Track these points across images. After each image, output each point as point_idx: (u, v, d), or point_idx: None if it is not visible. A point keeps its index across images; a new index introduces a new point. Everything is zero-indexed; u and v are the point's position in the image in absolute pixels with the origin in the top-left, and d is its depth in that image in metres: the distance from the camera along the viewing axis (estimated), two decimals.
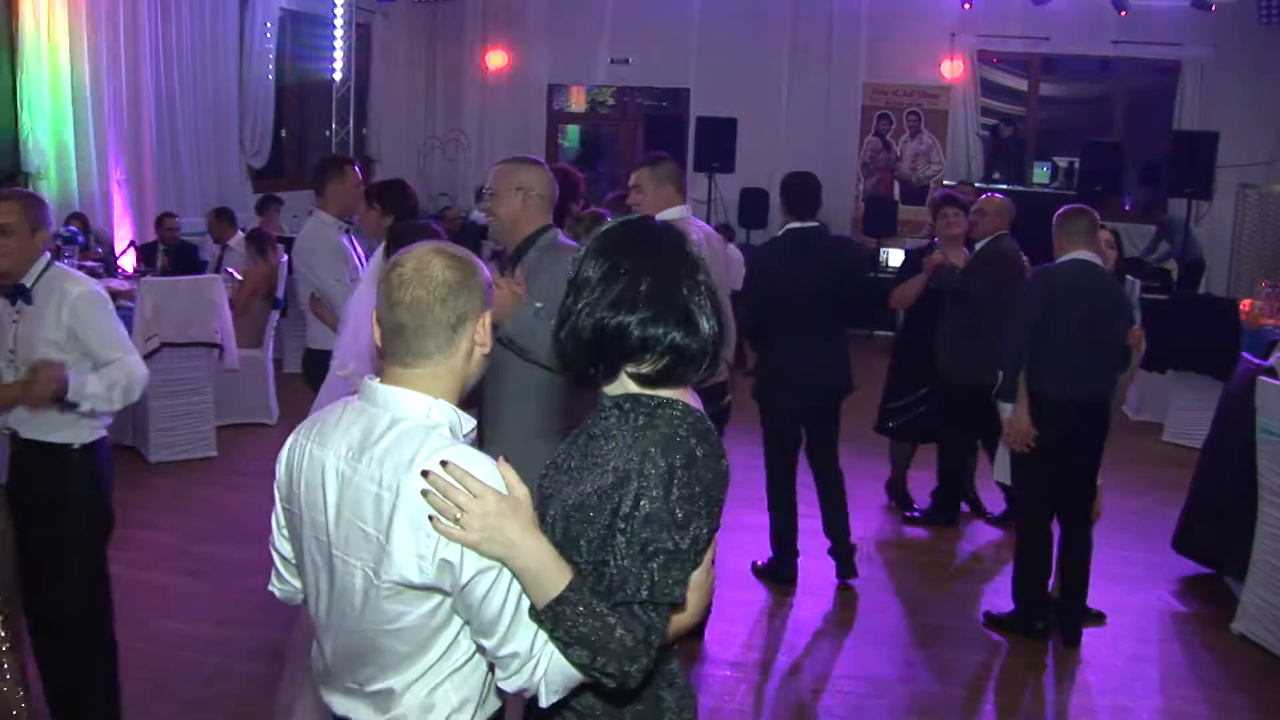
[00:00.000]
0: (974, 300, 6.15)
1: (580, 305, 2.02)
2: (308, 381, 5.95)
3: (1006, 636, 5.32)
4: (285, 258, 8.84)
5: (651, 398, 2.03)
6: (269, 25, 12.48)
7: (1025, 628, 5.30)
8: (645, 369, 2.02)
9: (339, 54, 13.67)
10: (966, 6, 13.37)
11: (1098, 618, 5.49)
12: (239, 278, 8.54)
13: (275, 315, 8.63)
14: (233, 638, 5.03)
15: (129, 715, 4.26)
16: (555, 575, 1.90)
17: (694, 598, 2.02)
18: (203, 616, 5.24)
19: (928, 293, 6.52)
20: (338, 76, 13.76)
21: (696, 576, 2.00)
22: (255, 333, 8.37)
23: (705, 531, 1.97)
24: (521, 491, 1.95)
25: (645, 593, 1.89)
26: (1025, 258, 6.23)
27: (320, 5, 13.47)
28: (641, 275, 1.99)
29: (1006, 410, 5.22)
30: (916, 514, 6.96)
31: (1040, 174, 13.99)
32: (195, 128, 11.40)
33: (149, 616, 5.18)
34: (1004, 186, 12.71)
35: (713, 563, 2.09)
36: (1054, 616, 5.29)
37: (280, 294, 8.62)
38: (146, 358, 7.08)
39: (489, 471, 1.95)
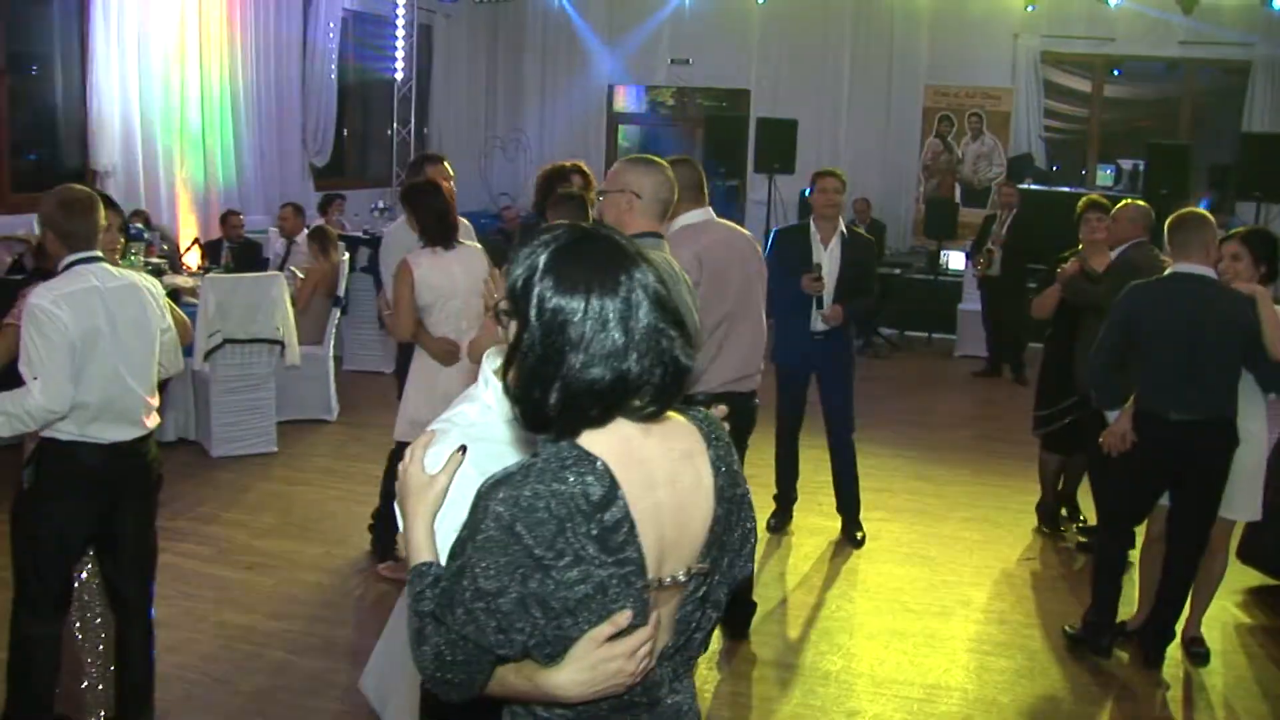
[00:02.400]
0: (1104, 311, 5.99)
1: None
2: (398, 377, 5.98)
3: (1071, 649, 5.24)
4: (346, 256, 8.94)
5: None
6: (332, 25, 12.60)
7: (1091, 646, 5.17)
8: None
9: (400, 54, 13.79)
10: (1030, 9, 13.22)
11: (1197, 657, 5.21)
12: (300, 275, 8.65)
13: (336, 313, 8.72)
14: (293, 632, 5.09)
15: (189, 706, 4.34)
16: (415, 561, 1.88)
17: (570, 670, 1.76)
18: (264, 610, 5.30)
19: (1064, 302, 6.29)
20: (399, 76, 13.88)
21: (576, 649, 1.75)
22: (316, 330, 8.46)
23: (531, 586, 1.70)
24: (442, 480, 1.91)
25: (430, 605, 1.80)
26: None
27: (382, 6, 13.60)
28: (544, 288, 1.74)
29: (1110, 417, 5.07)
30: (1083, 525, 6.77)
31: (1104, 176, 13.82)
32: (259, 126, 11.54)
33: (211, 609, 5.27)
34: (1065, 189, 12.56)
35: (608, 641, 1.76)
36: (1140, 635, 5.19)
37: (340, 292, 8.71)
38: (209, 354, 7.22)
39: (439, 451, 1.96)
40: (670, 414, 1.86)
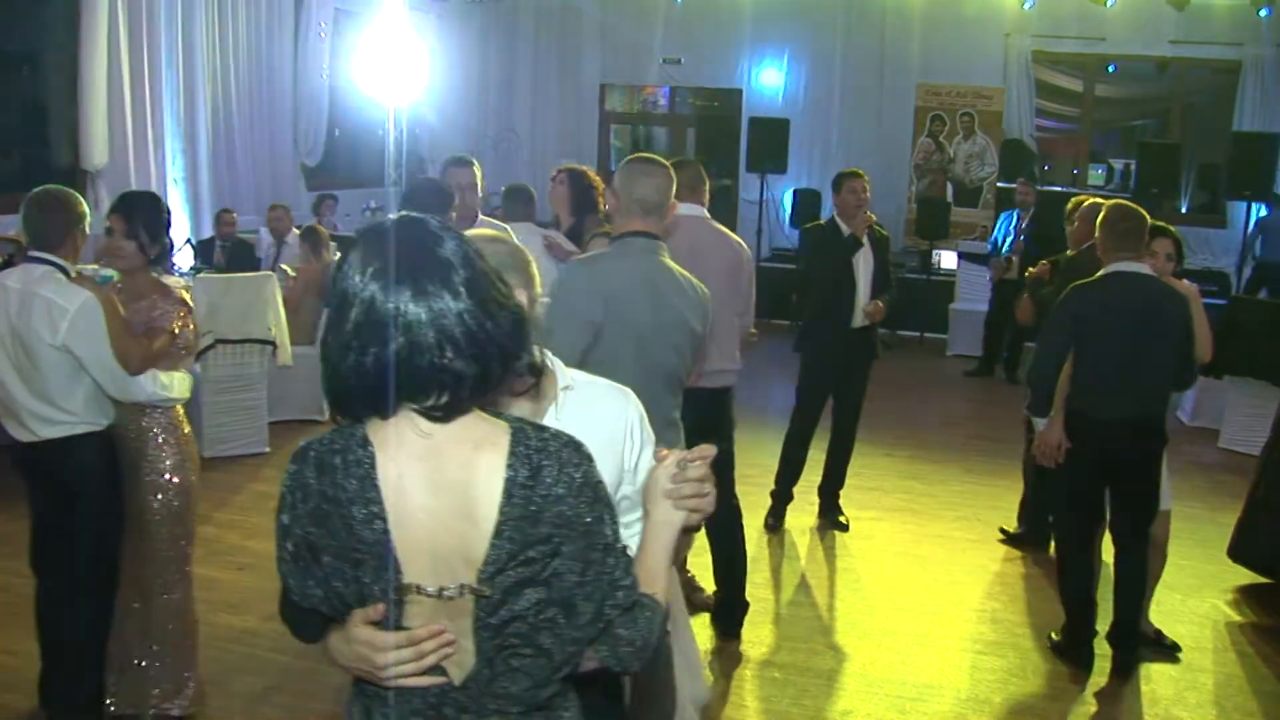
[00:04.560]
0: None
1: None
2: None
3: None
4: (339, 256, 8.93)
5: None
6: (323, 24, 12.57)
7: (1071, 658, 5.12)
8: None
9: (391, 54, 13.74)
10: (1026, 6, 13.23)
11: (1169, 650, 5.27)
12: (292, 275, 8.63)
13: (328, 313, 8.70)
14: (286, 633, 5.03)
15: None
16: None
17: (337, 632, 1.92)
18: (256, 611, 5.29)
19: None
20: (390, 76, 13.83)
21: (349, 633, 1.87)
22: (308, 330, 8.44)
23: (308, 539, 1.84)
24: None
25: None
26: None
27: (373, 5, 13.56)
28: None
29: (1040, 424, 5.03)
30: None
31: (1095, 176, 13.85)
32: (250, 126, 11.53)
33: (203, 610, 5.23)
34: (1057, 189, 12.58)
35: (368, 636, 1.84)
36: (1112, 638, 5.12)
37: None
38: (201, 354, 7.21)
39: None
40: (485, 417, 1.78)
